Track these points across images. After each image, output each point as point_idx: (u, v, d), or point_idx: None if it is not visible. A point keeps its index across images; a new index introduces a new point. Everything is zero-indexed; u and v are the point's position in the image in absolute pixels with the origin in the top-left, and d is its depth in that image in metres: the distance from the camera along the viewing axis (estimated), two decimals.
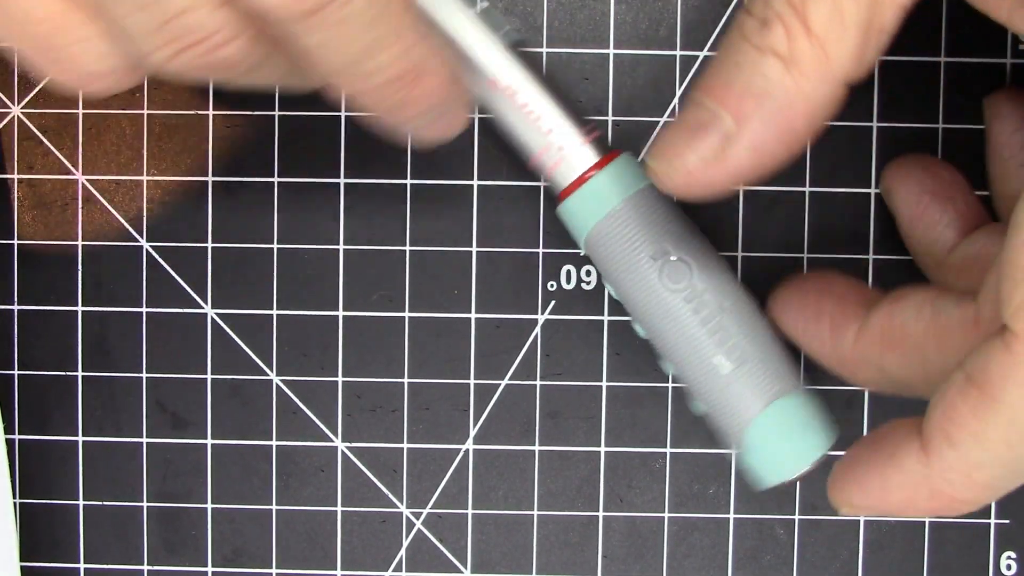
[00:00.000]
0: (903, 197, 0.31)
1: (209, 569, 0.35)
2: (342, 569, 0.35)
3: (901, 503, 0.25)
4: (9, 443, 0.34)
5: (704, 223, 0.34)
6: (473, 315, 0.34)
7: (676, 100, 0.34)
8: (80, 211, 0.34)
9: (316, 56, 0.23)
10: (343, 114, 0.34)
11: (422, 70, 0.24)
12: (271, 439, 0.35)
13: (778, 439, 0.28)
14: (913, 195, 0.31)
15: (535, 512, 0.35)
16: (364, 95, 0.24)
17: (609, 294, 0.34)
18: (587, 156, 0.29)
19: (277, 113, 0.34)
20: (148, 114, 0.34)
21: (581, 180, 0.29)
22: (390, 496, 0.35)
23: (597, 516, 0.35)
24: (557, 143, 0.29)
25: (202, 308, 0.34)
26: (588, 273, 0.34)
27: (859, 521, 0.35)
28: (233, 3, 0.22)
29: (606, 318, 0.34)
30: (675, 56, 0.33)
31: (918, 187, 0.31)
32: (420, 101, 0.25)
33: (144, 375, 0.35)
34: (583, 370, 0.34)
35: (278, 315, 0.34)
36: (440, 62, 0.25)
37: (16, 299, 0.34)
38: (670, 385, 0.34)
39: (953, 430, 0.23)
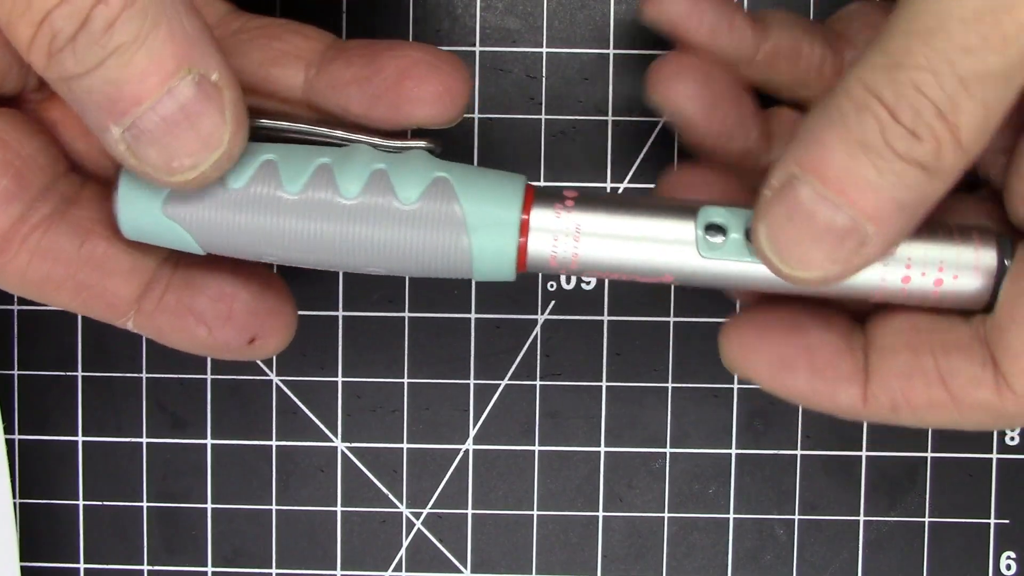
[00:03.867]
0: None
1: (209, 569, 0.35)
2: (342, 569, 0.35)
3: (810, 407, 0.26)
4: (9, 443, 0.34)
5: None
6: (473, 315, 0.34)
7: None
8: None
9: None
10: None
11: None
12: (271, 439, 0.35)
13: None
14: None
15: (535, 512, 0.35)
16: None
17: (605, 292, 0.34)
18: None
19: None
20: None
21: None
22: (390, 496, 0.35)
23: (597, 516, 0.35)
24: None
25: None
26: None
27: (859, 521, 0.35)
28: None
29: (606, 318, 0.34)
30: None
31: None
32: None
33: (144, 375, 0.35)
34: (583, 370, 0.34)
35: None
36: None
37: (16, 299, 0.34)
38: (670, 385, 0.34)
39: (904, 409, 0.25)
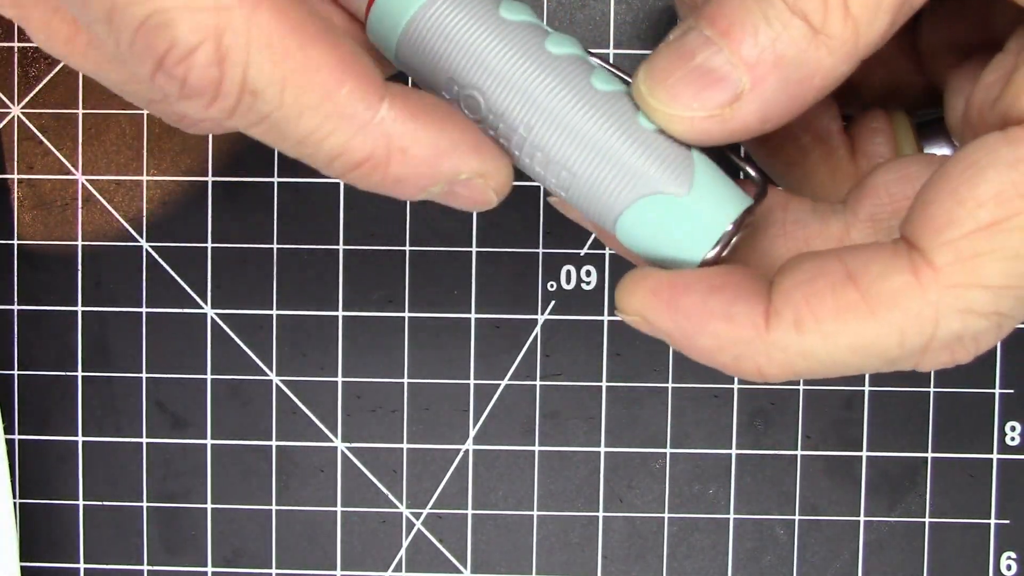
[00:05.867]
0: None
1: (209, 569, 0.35)
2: (342, 569, 0.35)
3: (705, 348, 0.23)
4: (9, 443, 0.34)
5: None
6: (473, 315, 0.34)
7: None
8: (80, 211, 0.34)
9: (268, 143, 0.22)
10: None
11: (387, 151, 0.22)
12: (271, 439, 0.35)
13: (650, 243, 0.24)
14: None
15: (535, 512, 0.35)
16: (338, 178, 0.23)
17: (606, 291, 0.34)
18: None
19: None
20: (148, 114, 0.34)
21: None
22: (390, 496, 0.35)
23: (597, 516, 0.35)
24: None
25: (202, 308, 0.34)
26: (588, 273, 0.34)
27: (859, 521, 0.35)
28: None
29: (606, 318, 0.34)
30: None
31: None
32: (407, 181, 0.23)
33: (144, 375, 0.35)
34: (583, 370, 0.34)
35: (278, 315, 0.34)
36: (416, 140, 0.22)
37: (16, 299, 0.34)
38: (670, 385, 0.34)
39: (808, 321, 0.21)
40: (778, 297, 0.22)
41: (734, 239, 0.23)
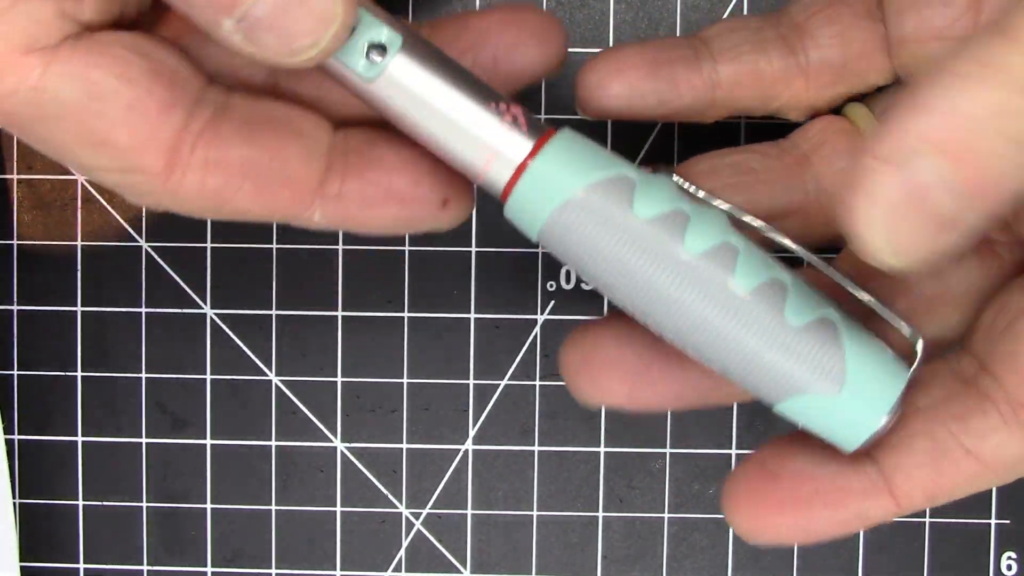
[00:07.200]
0: None
1: (209, 569, 0.35)
2: (341, 569, 0.35)
3: (834, 533, 0.25)
4: (9, 443, 0.34)
5: None
6: (472, 315, 0.34)
7: None
8: (80, 211, 0.34)
9: None
10: None
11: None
12: (270, 439, 0.35)
13: (807, 426, 0.24)
14: None
15: (535, 512, 0.35)
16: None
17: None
18: (519, 143, 0.24)
19: None
20: None
21: (519, 173, 0.24)
22: (389, 496, 0.35)
23: (597, 516, 0.35)
24: (479, 138, 0.24)
25: (201, 308, 0.34)
26: None
27: None
28: None
29: None
30: None
31: None
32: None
33: (144, 375, 0.35)
34: None
35: (277, 315, 0.34)
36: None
37: (16, 299, 0.34)
38: None
39: (939, 495, 0.24)
40: (905, 482, 0.24)
41: (893, 422, 0.24)
